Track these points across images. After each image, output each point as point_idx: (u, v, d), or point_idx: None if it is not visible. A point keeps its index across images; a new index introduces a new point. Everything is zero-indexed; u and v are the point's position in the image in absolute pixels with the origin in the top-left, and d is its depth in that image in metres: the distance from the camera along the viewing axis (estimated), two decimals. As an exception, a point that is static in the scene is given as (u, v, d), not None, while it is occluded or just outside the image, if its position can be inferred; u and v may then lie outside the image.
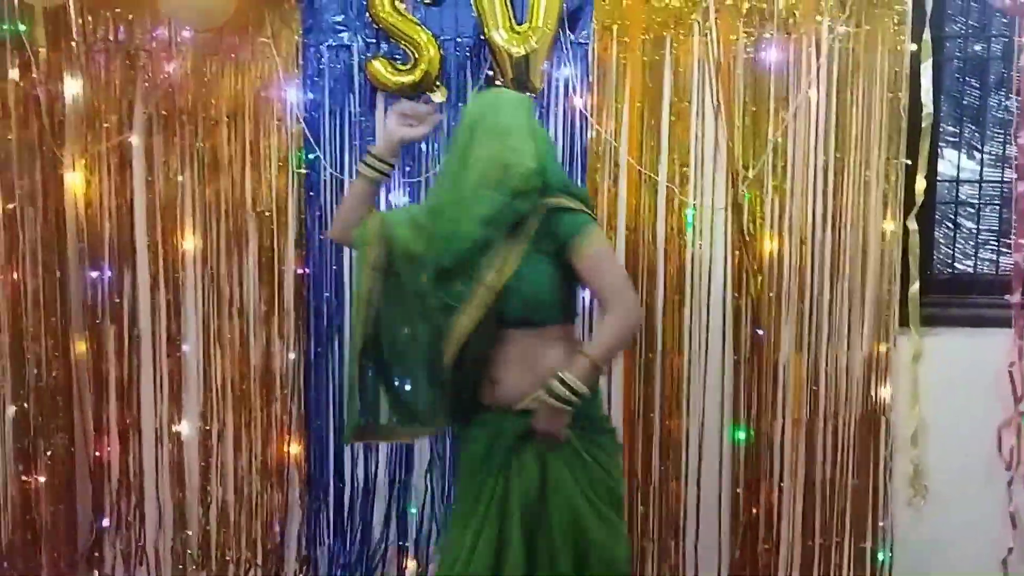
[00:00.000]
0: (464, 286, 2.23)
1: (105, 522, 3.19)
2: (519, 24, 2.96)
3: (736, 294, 3.09)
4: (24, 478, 3.07)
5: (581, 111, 3.03)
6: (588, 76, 3.03)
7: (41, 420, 3.09)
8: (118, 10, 3.04)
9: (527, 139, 2.27)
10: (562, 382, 2.18)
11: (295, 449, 3.15)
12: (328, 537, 3.18)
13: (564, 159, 3.04)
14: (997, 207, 3.28)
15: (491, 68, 3.01)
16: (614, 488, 2.35)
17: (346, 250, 3.05)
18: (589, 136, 3.04)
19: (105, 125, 3.08)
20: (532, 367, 2.25)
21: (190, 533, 3.21)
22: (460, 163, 2.28)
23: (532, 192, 2.23)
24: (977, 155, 3.29)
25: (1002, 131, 3.24)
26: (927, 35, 3.00)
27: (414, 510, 3.17)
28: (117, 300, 3.14)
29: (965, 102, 3.29)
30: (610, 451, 2.40)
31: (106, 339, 3.16)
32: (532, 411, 2.25)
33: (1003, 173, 3.22)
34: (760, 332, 3.08)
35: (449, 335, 2.25)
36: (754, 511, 3.15)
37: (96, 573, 3.23)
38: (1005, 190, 3.23)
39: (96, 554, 3.22)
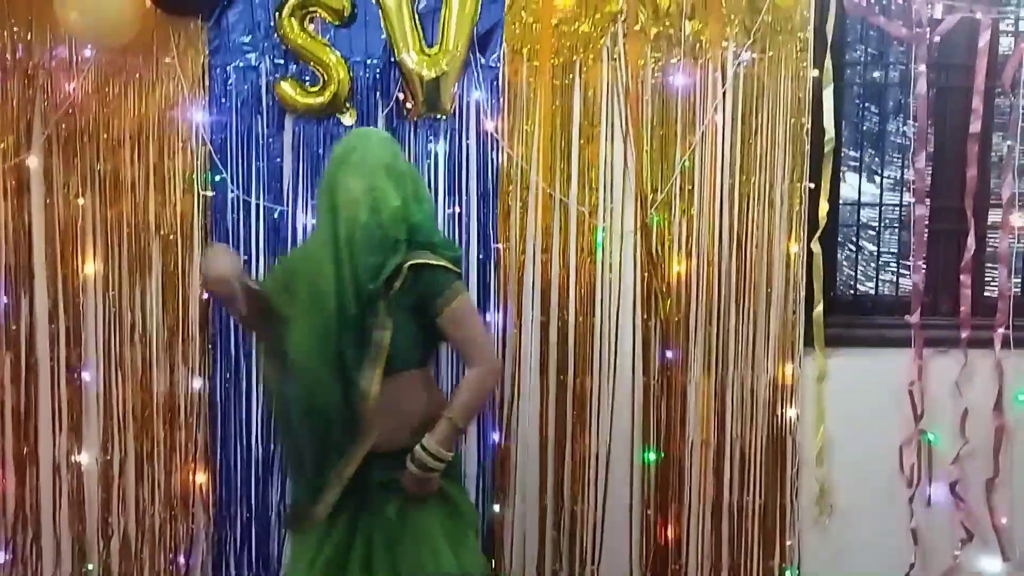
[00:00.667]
0: (356, 347, 2.25)
1: (0, 557, 3.11)
2: (429, 47, 3.00)
3: (645, 316, 3.14)
4: None
5: (492, 134, 3.06)
6: (499, 99, 3.07)
7: None
8: (16, 28, 3.01)
9: (389, 180, 2.28)
10: (427, 451, 2.25)
11: (201, 478, 3.11)
12: (234, 568, 3.14)
13: (476, 182, 3.09)
14: (896, 229, 3.41)
15: (401, 90, 3.03)
16: (467, 513, 2.47)
17: (252, 272, 3.06)
18: (501, 159, 3.07)
19: (1, 145, 3.04)
20: (393, 411, 2.29)
21: (91, 567, 3.14)
22: (329, 207, 2.29)
23: (399, 242, 2.25)
24: (877, 179, 3.40)
25: (900, 156, 3.36)
26: (828, 62, 3.10)
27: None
28: (14, 327, 3.09)
29: (865, 127, 3.42)
30: (456, 475, 2.51)
31: (2, 367, 3.11)
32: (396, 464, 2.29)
33: (901, 196, 3.33)
34: (669, 354, 3.13)
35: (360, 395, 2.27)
36: (663, 533, 3.18)
37: None
38: (903, 213, 3.33)
39: None
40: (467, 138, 3.08)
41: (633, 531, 3.21)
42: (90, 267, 3.06)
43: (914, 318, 3.18)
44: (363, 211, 2.23)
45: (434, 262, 2.29)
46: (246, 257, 3.05)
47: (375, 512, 2.31)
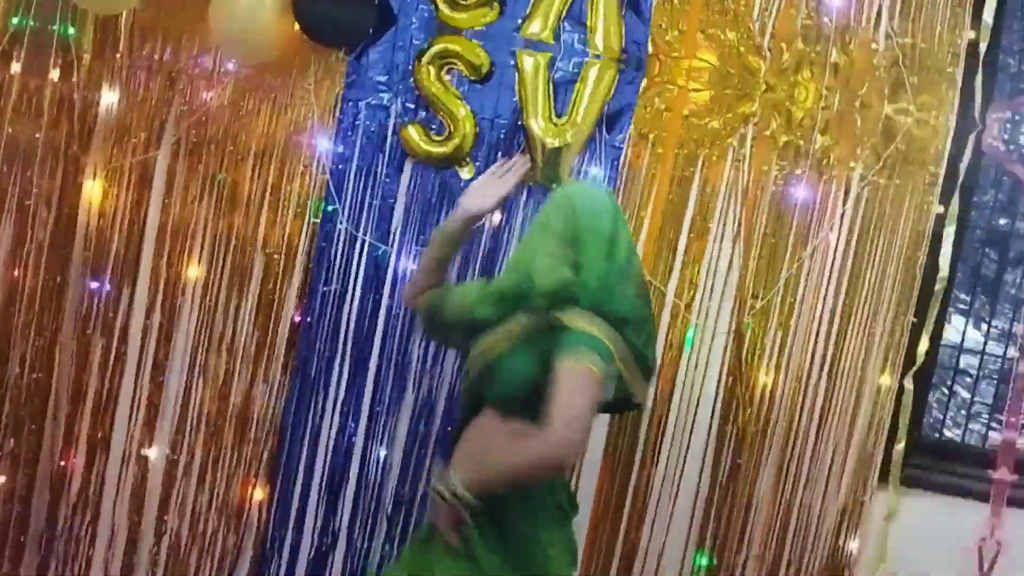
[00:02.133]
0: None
1: (57, 533, 3.26)
2: (559, 116, 3.06)
3: (722, 421, 3.15)
4: None
5: None
6: (616, 179, 3.11)
7: (13, 420, 3.17)
8: (168, 31, 3.16)
9: (601, 253, 2.29)
10: (448, 480, 2.14)
11: (259, 495, 3.21)
12: None
13: None
14: (995, 381, 3.40)
15: (523, 153, 3.08)
16: None
17: (346, 305, 3.14)
18: None
19: (133, 141, 3.18)
20: (479, 454, 2.23)
21: (138, 560, 3.26)
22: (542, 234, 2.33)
23: (559, 299, 2.25)
24: (984, 327, 3.41)
25: (1012, 307, 3.36)
26: (955, 200, 3.10)
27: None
28: (111, 315, 3.22)
29: (981, 273, 3.36)
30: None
31: (93, 352, 3.24)
32: None
33: (1006, 349, 3.32)
34: (739, 461, 3.12)
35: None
36: None
37: None
38: (1006, 366, 3.31)
39: (43, 564, 3.27)
40: None
41: None
42: (193, 271, 3.19)
43: (998, 474, 3.15)
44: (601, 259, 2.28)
45: (587, 328, 2.21)
46: (341, 288, 3.14)
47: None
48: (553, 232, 2.30)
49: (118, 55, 3.14)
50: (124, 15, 3.11)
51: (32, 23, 3.06)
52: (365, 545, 3.18)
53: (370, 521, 3.18)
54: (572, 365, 2.13)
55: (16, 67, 3.06)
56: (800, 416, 3.14)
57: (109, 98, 3.15)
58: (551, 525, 2.29)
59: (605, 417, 3.09)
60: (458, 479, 2.13)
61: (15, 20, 3.04)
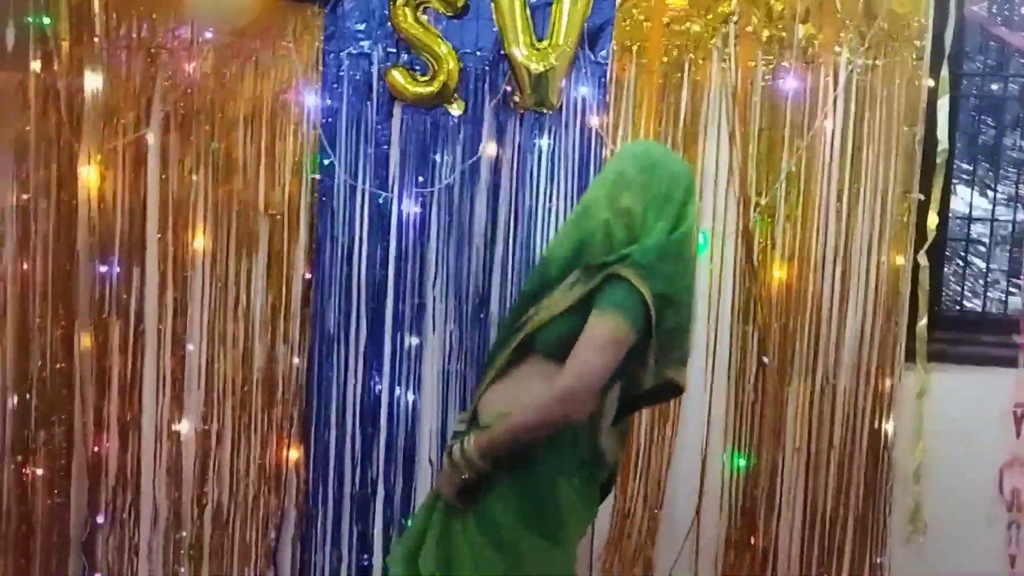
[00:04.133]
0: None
1: (100, 519, 3.34)
2: (539, 41, 3.12)
3: (743, 321, 3.22)
4: (23, 470, 3.22)
5: (596, 130, 3.17)
6: (605, 96, 3.18)
7: (42, 412, 3.24)
8: (142, 8, 3.22)
9: (665, 221, 2.24)
10: (461, 444, 2.16)
11: (294, 454, 3.30)
12: (325, 545, 3.31)
13: (577, 176, 3.20)
14: (1008, 247, 3.48)
15: (509, 83, 3.17)
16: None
17: (355, 256, 3.23)
18: (604, 155, 3.19)
19: (122, 121, 3.25)
20: (516, 392, 2.23)
21: (184, 534, 3.35)
22: (606, 198, 2.28)
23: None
24: (990, 193, 3.48)
25: (1016, 171, 3.44)
26: (945, 71, 3.15)
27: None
28: (124, 296, 3.30)
29: (980, 140, 3.48)
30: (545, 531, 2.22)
31: (111, 334, 3.32)
32: None
33: (1015, 213, 3.40)
34: (765, 360, 3.17)
35: None
36: (752, 540, 3.24)
37: (87, 568, 3.37)
38: (1017, 229, 3.41)
39: (89, 550, 3.36)
40: (572, 133, 3.20)
41: (720, 536, 3.28)
42: (199, 242, 3.28)
43: (1023, 338, 3.22)
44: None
45: (631, 280, 2.15)
46: (348, 240, 3.21)
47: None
48: (626, 185, 2.26)
49: (96, 38, 3.21)
50: None
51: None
52: (404, 490, 3.23)
53: (405, 465, 3.26)
54: (599, 321, 2.14)
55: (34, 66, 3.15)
56: (819, 306, 3.21)
57: (93, 82, 3.21)
58: (570, 472, 2.23)
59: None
60: (471, 440, 2.15)
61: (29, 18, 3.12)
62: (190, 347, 3.29)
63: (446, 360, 3.23)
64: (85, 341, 3.28)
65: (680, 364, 2.29)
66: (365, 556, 3.27)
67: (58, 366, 3.24)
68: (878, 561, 3.26)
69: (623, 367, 2.17)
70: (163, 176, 3.26)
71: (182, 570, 3.31)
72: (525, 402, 2.16)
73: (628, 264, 2.17)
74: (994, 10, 3.20)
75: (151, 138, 3.25)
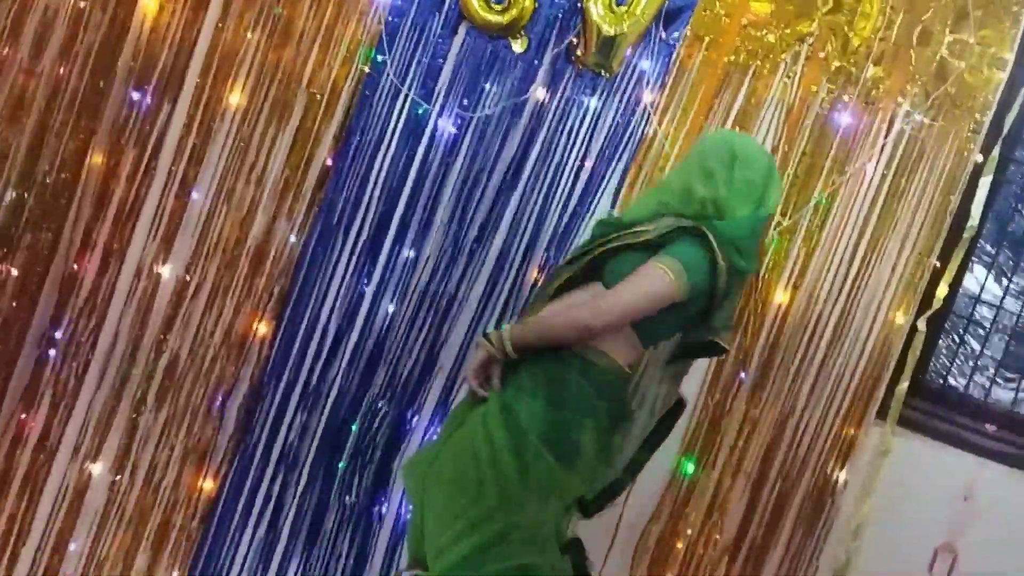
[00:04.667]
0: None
1: (58, 334, 3.31)
2: (619, 5, 3.14)
3: (739, 332, 3.23)
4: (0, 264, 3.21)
5: (647, 106, 3.17)
6: (664, 76, 3.20)
7: (35, 215, 3.23)
8: None
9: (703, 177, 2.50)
10: (497, 330, 2.43)
11: (263, 329, 3.30)
12: (265, 426, 3.32)
13: (615, 145, 3.22)
14: (1007, 337, 3.48)
15: (577, 36, 3.17)
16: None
17: (379, 157, 3.23)
18: (647, 132, 3.21)
19: None
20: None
21: (135, 372, 3.32)
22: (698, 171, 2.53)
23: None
24: (1004, 281, 3.51)
25: None
26: (996, 151, 3.20)
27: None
28: (147, 128, 3.28)
29: (1010, 228, 3.42)
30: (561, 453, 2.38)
31: (124, 161, 3.29)
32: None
33: (1023, 307, 3.42)
34: (743, 376, 3.19)
35: None
36: (678, 544, 3.29)
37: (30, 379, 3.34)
38: (1020, 323, 3.42)
39: (40, 362, 3.34)
40: (621, 102, 3.22)
41: (649, 539, 3.29)
42: (235, 98, 3.26)
43: (993, 427, 3.30)
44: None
45: (695, 235, 2.40)
46: (377, 137, 3.21)
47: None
48: (708, 172, 2.50)
49: None
50: None
51: None
52: (358, 394, 3.23)
53: (366, 371, 3.26)
54: (655, 264, 2.35)
55: None
56: (810, 339, 3.23)
57: None
58: (597, 418, 2.41)
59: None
60: (506, 328, 2.41)
61: None
62: (195, 195, 3.27)
63: (433, 279, 3.23)
64: (96, 159, 3.26)
65: (727, 329, 2.53)
66: (302, 447, 3.28)
67: (63, 175, 3.22)
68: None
69: (674, 322, 2.40)
70: (219, 24, 3.23)
71: (119, 406, 3.30)
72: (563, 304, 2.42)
73: (708, 226, 2.38)
74: None
75: None
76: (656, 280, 2.33)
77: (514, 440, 2.32)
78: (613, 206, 3.21)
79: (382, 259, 3.24)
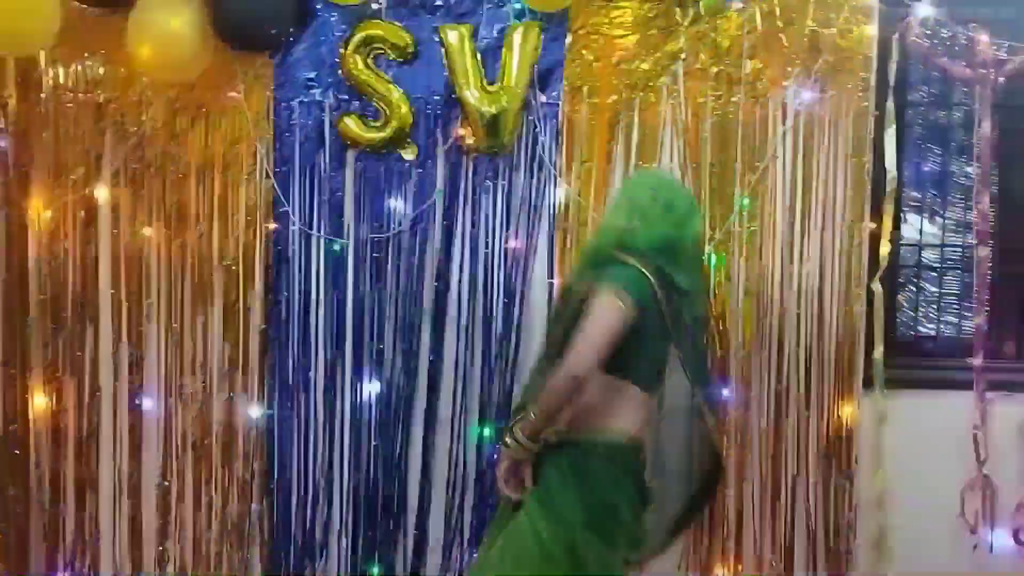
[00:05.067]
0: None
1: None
2: (491, 84, 3.23)
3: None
4: None
5: (551, 170, 3.28)
6: (557, 135, 3.29)
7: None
8: (89, 62, 3.28)
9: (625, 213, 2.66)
10: (511, 428, 2.56)
11: (256, 507, 3.35)
12: None
13: (533, 216, 3.31)
14: (959, 271, 3.64)
15: (462, 126, 3.26)
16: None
17: (312, 305, 3.29)
18: (558, 194, 3.30)
19: (72, 177, 3.31)
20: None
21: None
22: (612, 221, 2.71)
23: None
24: (939, 220, 3.65)
25: (963, 197, 3.59)
26: (890, 103, 3.33)
27: (375, 571, 3.31)
28: (78, 353, 3.35)
29: (927, 168, 3.64)
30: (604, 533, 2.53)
31: (66, 393, 3.36)
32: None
33: (964, 238, 3.58)
34: (725, 391, 3.29)
35: None
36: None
37: None
38: (966, 255, 3.55)
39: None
40: (525, 173, 3.31)
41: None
42: (153, 296, 3.33)
43: (977, 360, 3.38)
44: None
45: (627, 261, 2.52)
46: (305, 290, 3.27)
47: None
48: (631, 211, 2.64)
49: (42, 95, 3.27)
50: (42, 54, 3.22)
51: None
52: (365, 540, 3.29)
53: (368, 513, 3.29)
54: (596, 298, 2.46)
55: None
56: (776, 336, 3.34)
57: (41, 139, 3.28)
58: (624, 477, 2.55)
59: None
60: (517, 426, 2.53)
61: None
62: (147, 403, 3.34)
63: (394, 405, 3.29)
64: (39, 402, 3.33)
65: (704, 386, 2.69)
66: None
67: (11, 428, 3.27)
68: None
69: (646, 348, 2.52)
70: (115, 231, 3.32)
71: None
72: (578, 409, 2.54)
73: (624, 250, 2.54)
74: (935, 41, 3.31)
75: (102, 193, 3.30)
76: (605, 308, 2.46)
77: (562, 532, 2.46)
78: (551, 276, 3.27)
79: (346, 403, 3.28)
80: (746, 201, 3.28)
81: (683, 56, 3.27)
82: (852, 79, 3.28)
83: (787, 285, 3.32)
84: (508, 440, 2.54)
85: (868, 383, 3.38)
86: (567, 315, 2.59)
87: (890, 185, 3.32)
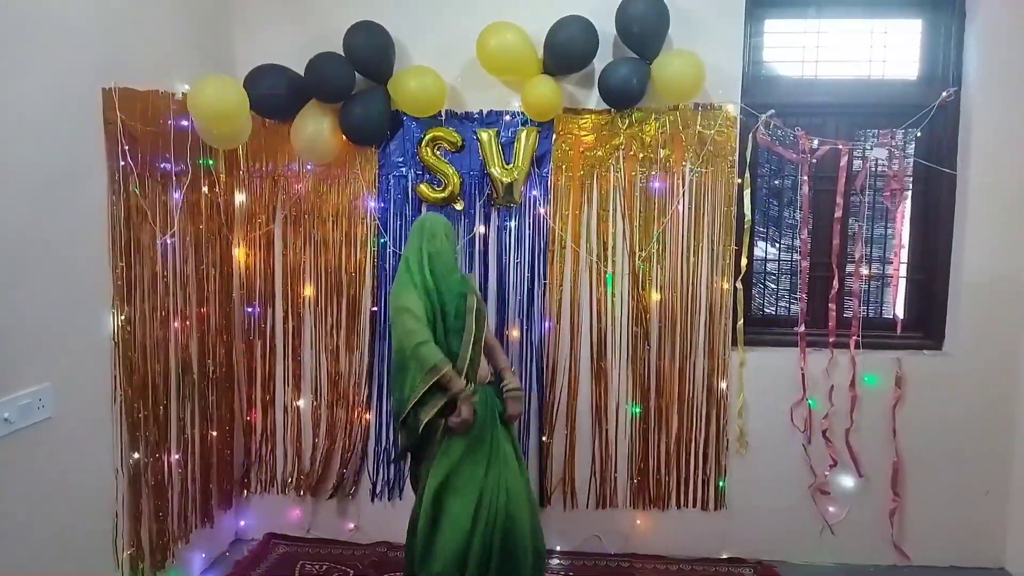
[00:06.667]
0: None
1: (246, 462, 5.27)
2: (508, 164, 4.97)
3: (635, 325, 5.11)
4: (203, 432, 5.05)
5: (544, 216, 5.09)
6: (548, 194, 5.00)
7: (215, 397, 4.88)
8: (268, 152, 5.12)
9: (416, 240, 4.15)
10: (509, 382, 4.20)
11: (369, 416, 5.26)
12: (378, 472, 5.31)
13: (534, 243, 5.07)
14: (788, 275, 5.23)
15: (490, 189, 5.04)
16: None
17: None
18: (548, 231, 5.09)
19: (258, 221, 5.13)
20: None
21: (306, 467, 5.27)
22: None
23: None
24: (777, 245, 5.18)
25: (791, 232, 5.18)
26: (747, 174, 4.84)
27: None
28: (263, 325, 5.21)
29: (770, 213, 5.22)
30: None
31: (255, 349, 5.20)
32: (505, 396, 4.18)
33: (792, 256, 5.17)
34: (649, 347, 5.17)
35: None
36: (645, 457, 5.25)
37: (245, 493, 5.28)
38: (793, 265, 5.20)
39: (245, 481, 5.29)
40: (529, 218, 4.92)
41: (622, 459, 5.24)
42: (308, 291, 5.17)
43: (800, 328, 4.94)
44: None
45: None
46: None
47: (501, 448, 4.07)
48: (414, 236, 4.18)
49: (240, 171, 5.11)
50: (240, 148, 5.07)
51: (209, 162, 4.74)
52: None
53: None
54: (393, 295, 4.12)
55: (204, 189, 4.75)
56: (680, 315, 5.12)
57: (239, 198, 5.10)
58: None
59: (568, 334, 5.15)
60: (509, 379, 4.18)
61: (200, 161, 4.64)
62: (304, 356, 5.18)
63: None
64: (239, 354, 5.18)
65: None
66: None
67: (224, 369, 5.04)
68: (722, 464, 5.10)
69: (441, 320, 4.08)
70: (284, 253, 5.09)
71: (298, 494, 5.27)
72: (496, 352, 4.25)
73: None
74: (774, 138, 4.79)
75: (276, 230, 5.10)
76: (398, 301, 3.93)
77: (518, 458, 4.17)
78: (544, 278, 5.11)
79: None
80: (659, 233, 4.94)
81: (622, 147, 4.74)
82: (724, 161, 4.71)
83: (685, 284, 4.86)
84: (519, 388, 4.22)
85: (734, 343, 4.84)
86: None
87: (747, 224, 4.73)
